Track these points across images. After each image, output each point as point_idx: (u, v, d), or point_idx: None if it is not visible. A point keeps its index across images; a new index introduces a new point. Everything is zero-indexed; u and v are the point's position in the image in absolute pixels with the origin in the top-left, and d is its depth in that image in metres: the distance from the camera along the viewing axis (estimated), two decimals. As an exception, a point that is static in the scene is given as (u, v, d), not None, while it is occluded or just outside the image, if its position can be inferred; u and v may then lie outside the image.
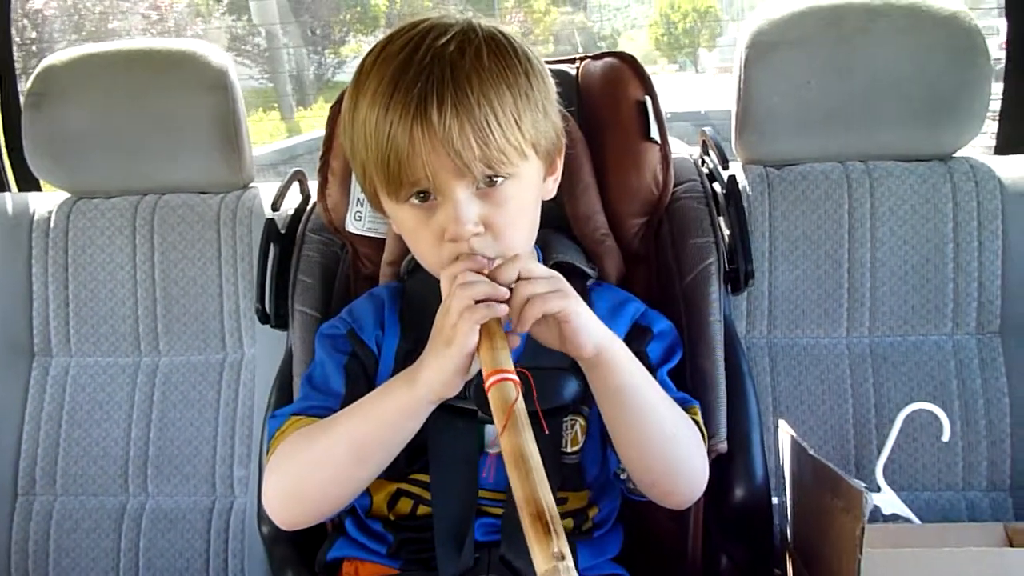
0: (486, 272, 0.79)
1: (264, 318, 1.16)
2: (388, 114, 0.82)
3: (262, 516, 1.06)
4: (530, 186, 0.89)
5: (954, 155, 1.32)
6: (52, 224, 1.43)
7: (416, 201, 0.86)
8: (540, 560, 0.62)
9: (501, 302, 0.77)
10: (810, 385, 1.31)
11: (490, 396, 0.73)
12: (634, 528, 1.00)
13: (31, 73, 1.41)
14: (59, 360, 1.42)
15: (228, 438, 1.36)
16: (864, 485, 0.87)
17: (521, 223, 0.89)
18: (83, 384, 1.41)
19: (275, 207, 1.21)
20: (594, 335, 0.80)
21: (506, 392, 0.72)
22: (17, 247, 1.42)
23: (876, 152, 1.32)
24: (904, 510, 1.21)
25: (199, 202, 1.42)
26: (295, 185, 1.30)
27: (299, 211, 1.24)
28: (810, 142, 1.32)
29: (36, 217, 1.43)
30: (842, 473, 0.93)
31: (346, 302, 1.12)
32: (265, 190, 1.44)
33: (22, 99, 1.41)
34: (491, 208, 0.84)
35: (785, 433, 1.11)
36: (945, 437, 1.21)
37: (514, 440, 0.69)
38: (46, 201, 1.46)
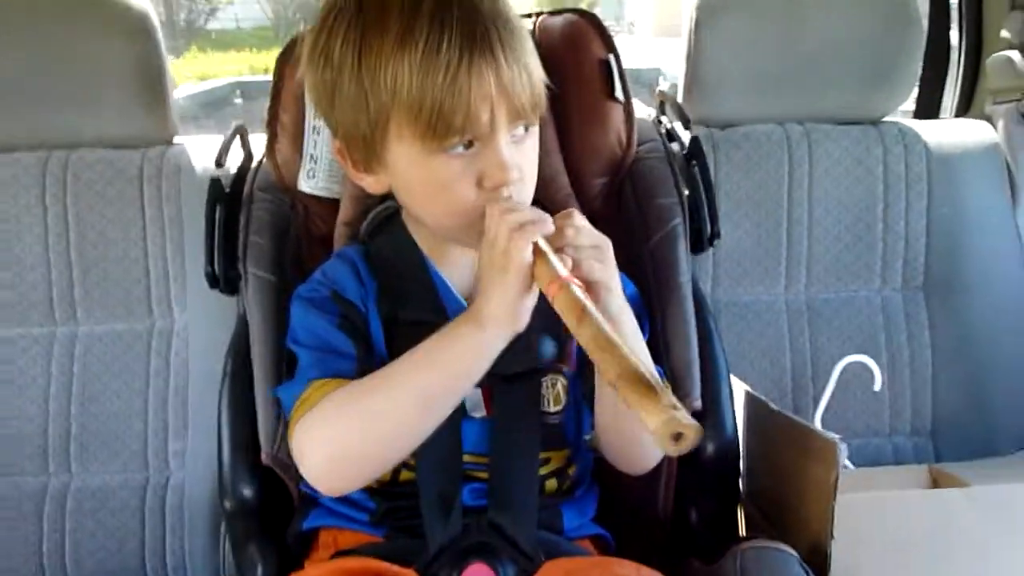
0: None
1: (213, 282, 1.09)
2: (442, 55, 0.77)
3: (224, 490, 1.01)
4: (539, 137, 0.88)
5: (884, 119, 1.39)
6: (-54, 181, 1.29)
7: (463, 149, 0.81)
8: (653, 415, 0.61)
9: None
10: (751, 340, 1.36)
11: (556, 302, 0.71)
12: (606, 487, 1.01)
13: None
14: (-41, 332, 1.29)
15: (160, 410, 1.28)
16: (837, 436, 0.91)
17: (535, 175, 0.88)
18: (-11, 358, 1.29)
19: (219, 163, 1.13)
20: (619, 298, 0.80)
21: (569, 294, 0.71)
22: (-96, 206, 1.28)
23: (814, 114, 1.37)
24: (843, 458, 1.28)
25: (118, 157, 1.31)
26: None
27: (243, 168, 1.16)
28: (753, 104, 1.35)
29: (-74, 173, 1.29)
30: (811, 426, 0.98)
31: (299, 264, 1.07)
32: (191, 145, 1.34)
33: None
34: (520, 156, 0.83)
35: (739, 388, 1.15)
36: (876, 387, 1.29)
37: (591, 328, 0.68)
38: (-64, 155, 1.31)
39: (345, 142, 0.88)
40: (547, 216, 0.77)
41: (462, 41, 0.77)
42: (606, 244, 0.79)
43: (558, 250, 0.75)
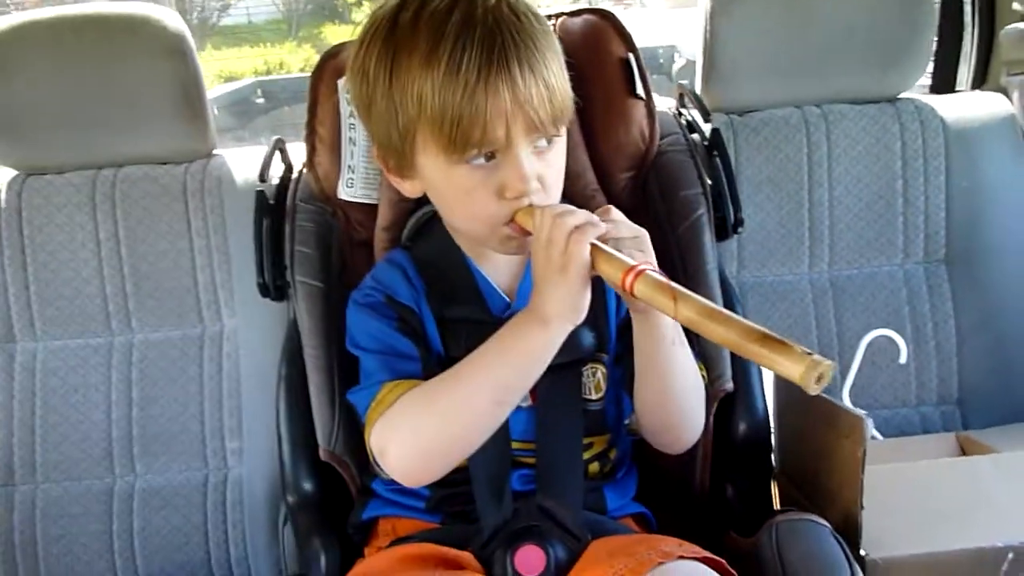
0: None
1: (264, 291, 1.15)
2: (463, 73, 0.82)
3: (286, 486, 1.08)
4: (565, 146, 0.93)
5: (900, 96, 1.41)
6: (2, 203, 1.36)
7: (484, 160, 0.86)
8: (793, 366, 0.64)
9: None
10: (777, 320, 1.40)
11: (638, 289, 0.75)
12: (645, 466, 1.07)
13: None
14: (25, 345, 1.36)
15: (216, 411, 1.35)
16: (864, 412, 0.95)
17: (561, 181, 0.92)
18: (54, 368, 1.36)
19: (263, 178, 1.19)
20: None
21: (650, 278, 0.75)
22: (-35, 230, 1.35)
23: (830, 96, 1.40)
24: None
25: (162, 173, 1.37)
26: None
27: (284, 180, 1.22)
28: (770, 88, 1.38)
29: (-17, 196, 1.36)
30: (838, 402, 1.02)
31: (343, 269, 1.13)
32: (230, 157, 1.40)
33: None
34: (543, 166, 0.88)
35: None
36: (902, 360, 1.33)
37: (693, 304, 0.72)
38: (-8, 179, 1.38)
39: (381, 151, 0.94)
40: (595, 217, 0.82)
41: (481, 59, 0.82)
42: (644, 234, 0.83)
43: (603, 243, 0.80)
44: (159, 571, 1.33)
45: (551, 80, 0.84)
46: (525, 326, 0.84)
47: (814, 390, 0.63)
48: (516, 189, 0.85)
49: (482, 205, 0.88)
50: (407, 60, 0.84)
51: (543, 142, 0.87)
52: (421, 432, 0.88)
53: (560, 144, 0.90)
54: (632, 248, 0.82)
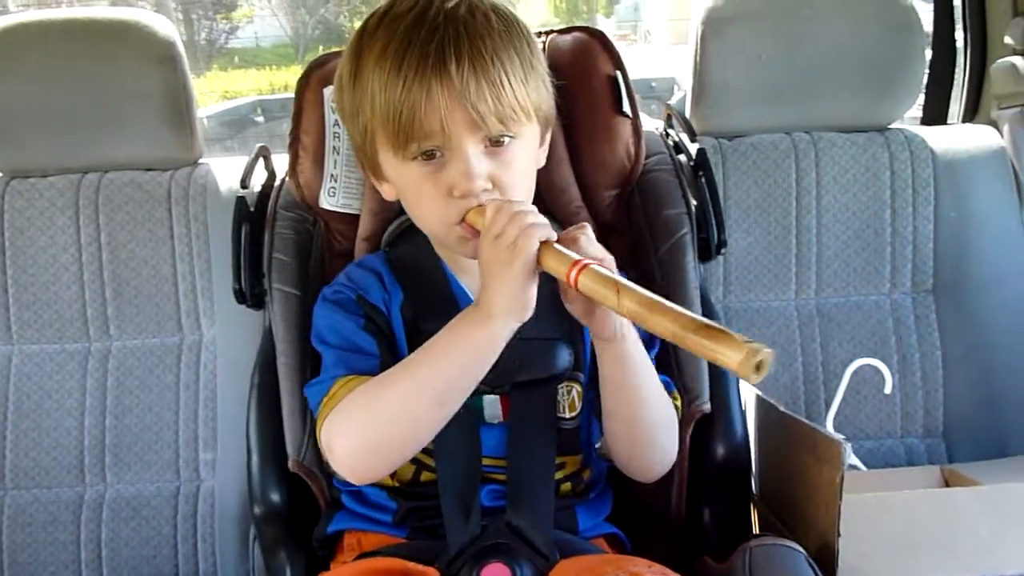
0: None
1: (241, 298, 1.13)
2: (403, 69, 0.83)
3: (254, 496, 1.06)
4: (531, 149, 0.92)
5: (890, 126, 1.41)
6: (-15, 205, 1.35)
7: (422, 159, 0.87)
8: (732, 352, 0.64)
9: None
10: (763, 345, 1.38)
11: (581, 283, 0.74)
12: (621, 488, 1.05)
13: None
14: None
15: (191, 421, 1.33)
16: (842, 436, 0.94)
17: (524, 185, 0.92)
18: (28, 373, 1.34)
19: (244, 184, 1.18)
20: (618, 319, 0.83)
21: (594, 272, 0.74)
22: (-55, 230, 1.34)
23: (820, 123, 1.40)
24: (852, 458, 1.30)
25: (147, 179, 1.37)
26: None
27: (266, 188, 1.21)
28: (760, 114, 1.38)
29: (-34, 198, 1.35)
30: (817, 427, 1.00)
31: (322, 279, 1.12)
32: (216, 166, 1.40)
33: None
34: (498, 166, 0.87)
35: (749, 392, 1.18)
36: (887, 390, 1.31)
37: (635, 295, 0.71)
38: (-26, 181, 1.37)
39: (356, 153, 0.95)
40: (547, 222, 0.81)
41: (420, 56, 0.83)
42: (611, 261, 0.81)
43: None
44: (126, 583, 1.31)
45: (499, 78, 0.84)
46: (469, 321, 0.83)
47: (754, 379, 0.64)
48: (462, 188, 0.85)
49: (432, 204, 0.88)
50: (366, 60, 0.86)
51: (505, 140, 0.86)
52: (365, 429, 0.87)
53: (518, 145, 0.88)
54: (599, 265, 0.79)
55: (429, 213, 0.90)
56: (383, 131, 0.86)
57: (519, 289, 0.79)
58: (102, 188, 1.36)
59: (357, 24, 0.93)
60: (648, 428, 0.91)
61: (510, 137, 0.87)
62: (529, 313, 0.80)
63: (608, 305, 0.73)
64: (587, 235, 0.82)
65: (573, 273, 0.75)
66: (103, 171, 1.37)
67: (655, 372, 0.91)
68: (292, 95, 1.15)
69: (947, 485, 1.26)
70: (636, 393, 0.88)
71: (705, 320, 0.67)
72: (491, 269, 0.80)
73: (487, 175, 0.86)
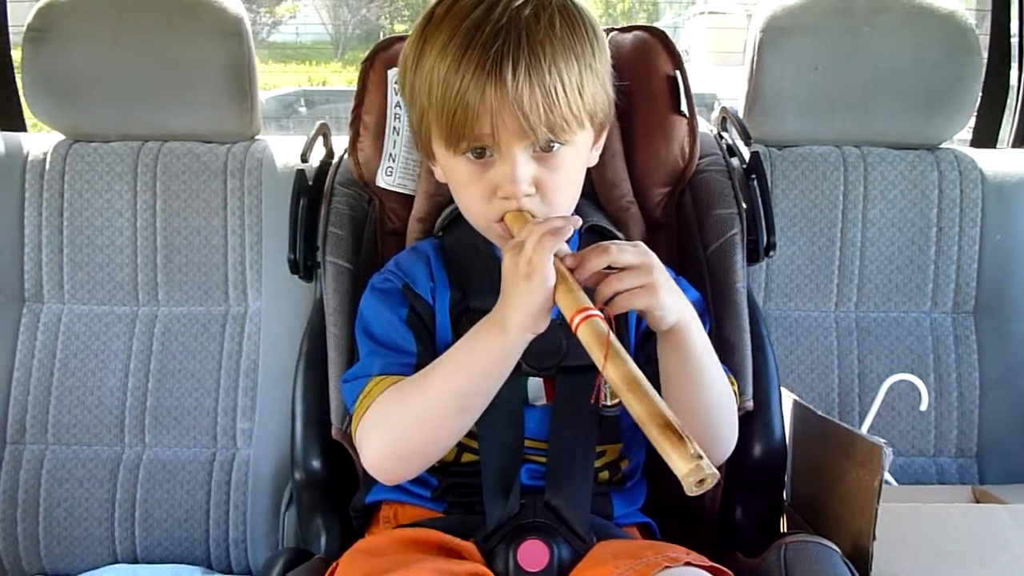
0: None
1: (294, 268, 1.16)
2: (461, 68, 0.85)
3: (295, 462, 1.08)
4: (582, 153, 0.94)
5: (940, 146, 1.42)
6: (47, 166, 1.38)
7: (472, 156, 0.89)
8: (680, 462, 0.67)
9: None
10: (800, 355, 1.39)
11: (580, 333, 0.75)
12: (657, 480, 1.06)
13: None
14: (51, 307, 1.38)
15: (231, 390, 1.35)
16: (883, 441, 0.94)
17: (569, 189, 0.93)
18: (77, 332, 1.37)
19: (304, 159, 1.21)
20: (674, 312, 0.83)
21: (597, 327, 0.75)
22: (8, 189, 1.37)
23: (871, 138, 1.41)
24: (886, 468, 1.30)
25: (205, 151, 1.40)
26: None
27: (324, 164, 1.24)
28: (812, 125, 1.39)
29: (30, 159, 1.38)
30: (858, 431, 1.01)
31: (374, 255, 1.14)
32: (272, 142, 1.43)
33: (20, 35, 1.36)
34: (545, 171, 0.89)
35: (787, 397, 1.18)
36: (923, 407, 1.31)
37: (620, 367, 0.73)
38: (40, 142, 1.41)
39: (413, 134, 0.98)
40: (570, 223, 0.81)
41: (479, 58, 0.85)
42: (648, 265, 0.81)
43: (598, 275, 0.80)
44: (156, 544, 1.33)
45: (553, 86, 0.85)
46: (485, 333, 0.84)
47: (692, 491, 0.68)
48: (505, 189, 0.87)
49: (475, 200, 0.91)
50: (429, 50, 0.88)
51: (555, 146, 0.88)
52: (393, 434, 0.89)
53: (567, 151, 0.89)
54: (635, 283, 0.80)
55: (472, 207, 0.93)
56: (437, 124, 0.89)
57: (537, 305, 0.79)
58: (161, 157, 1.39)
59: (397, 27, 0.95)
60: (709, 414, 0.91)
61: (561, 144, 0.88)
62: (544, 327, 0.82)
63: (594, 360, 0.74)
64: (620, 247, 0.82)
65: (576, 320, 0.76)
66: (163, 140, 1.40)
67: (716, 357, 0.91)
68: (333, 88, 1.18)
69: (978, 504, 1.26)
70: (696, 379, 0.88)
71: (674, 420, 0.69)
72: (513, 281, 0.81)
73: (532, 179, 0.88)
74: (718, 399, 0.91)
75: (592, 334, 0.75)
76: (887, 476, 1.32)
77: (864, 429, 1.33)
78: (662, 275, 0.82)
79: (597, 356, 0.74)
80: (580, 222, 0.84)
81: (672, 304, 0.83)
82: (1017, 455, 1.35)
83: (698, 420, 0.92)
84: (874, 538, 0.92)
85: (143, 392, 1.36)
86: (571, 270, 0.80)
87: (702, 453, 0.67)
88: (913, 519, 1.04)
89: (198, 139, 1.40)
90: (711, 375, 0.90)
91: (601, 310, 0.77)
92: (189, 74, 1.36)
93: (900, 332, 1.40)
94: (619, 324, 0.99)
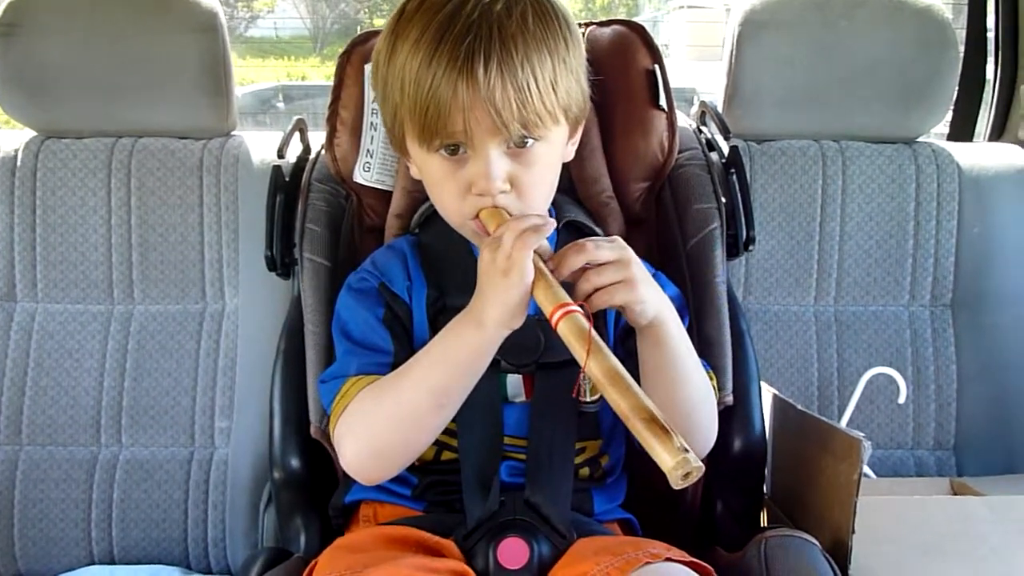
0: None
1: (271, 265, 1.15)
2: (432, 65, 0.84)
3: (274, 461, 1.06)
4: (557, 149, 0.93)
5: (918, 139, 1.42)
6: (19, 163, 1.36)
7: (446, 153, 0.88)
8: (666, 456, 0.67)
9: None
10: (780, 349, 1.40)
11: (560, 329, 0.75)
12: (637, 476, 1.05)
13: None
14: (24, 306, 1.36)
15: (209, 389, 1.34)
16: (862, 435, 0.94)
17: (544, 184, 0.92)
18: (51, 331, 1.35)
19: (280, 154, 1.20)
20: (653, 307, 0.83)
21: (578, 322, 0.75)
22: (-21, 186, 1.35)
23: (849, 132, 1.41)
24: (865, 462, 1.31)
25: (180, 147, 1.38)
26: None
27: (302, 160, 1.23)
28: (790, 119, 1.40)
29: (1, 156, 1.36)
30: (837, 425, 1.01)
31: (352, 251, 1.13)
32: (249, 138, 1.41)
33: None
34: (519, 167, 0.88)
35: (767, 392, 1.19)
36: (901, 399, 1.32)
37: (602, 362, 0.72)
38: (11, 139, 1.38)
39: (387, 132, 0.96)
40: (550, 222, 0.81)
41: (450, 54, 0.83)
42: (626, 260, 0.81)
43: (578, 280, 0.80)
44: (134, 545, 1.32)
45: (526, 82, 0.84)
46: (461, 329, 0.84)
47: (678, 485, 0.67)
48: (480, 186, 0.87)
49: (449, 197, 0.90)
50: (401, 45, 0.87)
51: (529, 142, 0.87)
52: (371, 433, 0.89)
53: (542, 147, 0.89)
54: (614, 278, 0.80)
55: (447, 204, 0.92)
56: (410, 121, 0.88)
57: (515, 301, 0.79)
58: (135, 153, 1.37)
59: (376, 21, 0.94)
60: (688, 409, 0.90)
61: (535, 139, 0.88)
62: (521, 322, 0.81)
63: (575, 356, 0.74)
64: (597, 243, 0.82)
65: (556, 316, 0.75)
66: (138, 136, 1.38)
67: (694, 351, 0.91)
68: (312, 83, 1.17)
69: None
70: (678, 374, 0.88)
71: (658, 414, 0.69)
72: (490, 277, 0.80)
73: (507, 176, 0.87)
74: (697, 394, 0.91)
75: (572, 329, 0.74)
76: (866, 469, 1.33)
77: (843, 422, 1.34)
78: (640, 270, 0.82)
79: (578, 352, 0.73)
80: (555, 224, 0.83)
81: (651, 299, 0.83)
82: (994, 447, 1.37)
83: (677, 415, 0.91)
84: (853, 531, 0.92)
85: (119, 391, 1.34)
86: (550, 269, 0.80)
87: (687, 446, 0.67)
88: (892, 512, 1.05)
89: (173, 135, 1.39)
90: (690, 370, 0.90)
91: (581, 306, 0.77)
92: (164, 69, 1.34)
93: (879, 326, 1.40)
94: (598, 321, 0.98)
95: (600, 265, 0.81)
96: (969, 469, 1.37)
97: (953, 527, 1.03)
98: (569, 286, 0.80)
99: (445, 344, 0.85)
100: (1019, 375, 1.38)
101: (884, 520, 1.03)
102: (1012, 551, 1.00)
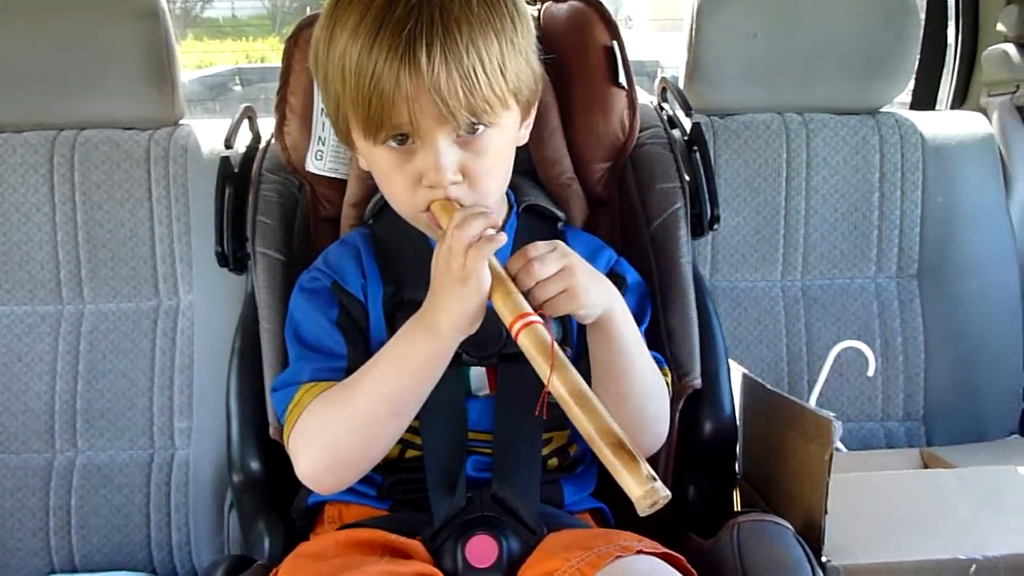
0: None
1: (223, 261, 1.10)
2: (373, 53, 0.80)
3: (232, 464, 1.03)
4: (509, 134, 0.89)
5: (881, 110, 1.41)
6: (-45, 161, 1.30)
7: (394, 144, 0.84)
8: (634, 484, 0.65)
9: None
10: (748, 326, 1.39)
11: (521, 341, 0.73)
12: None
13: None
14: (-32, 310, 1.31)
15: (166, 388, 1.30)
16: (832, 415, 0.93)
17: (498, 172, 0.89)
18: (-2, 334, 1.30)
19: (228, 144, 1.15)
20: (598, 308, 0.81)
21: (540, 334, 0.72)
22: (-87, 185, 1.29)
23: (812, 104, 1.40)
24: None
25: (125, 139, 1.33)
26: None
27: (251, 149, 1.18)
28: (752, 93, 1.38)
29: (-65, 152, 1.30)
30: (807, 405, 1.00)
31: (307, 244, 1.09)
32: (197, 127, 1.36)
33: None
34: (470, 156, 0.85)
35: (736, 370, 1.17)
36: (870, 372, 1.32)
37: (567, 378, 0.70)
38: (-55, 135, 1.32)
39: (331, 122, 0.92)
40: (502, 235, 0.77)
41: (391, 42, 0.79)
42: (569, 268, 0.78)
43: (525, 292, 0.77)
44: (95, 551, 1.28)
45: (472, 68, 0.80)
46: (413, 335, 0.81)
47: (644, 512, 0.66)
48: (430, 177, 0.83)
49: (399, 190, 0.86)
50: (339, 32, 0.83)
51: (479, 129, 0.84)
52: (326, 443, 0.86)
53: (493, 133, 0.85)
54: (556, 291, 0.77)
55: (397, 197, 0.89)
56: (353, 113, 0.84)
57: (471, 308, 0.77)
58: (78, 146, 1.32)
59: None
60: (638, 403, 0.89)
61: (485, 126, 0.84)
62: (477, 327, 0.79)
63: (538, 372, 0.71)
64: (540, 257, 0.78)
65: (517, 326, 0.73)
66: (80, 128, 1.33)
67: (646, 347, 0.90)
68: (272, 65, 1.12)
69: (926, 467, 1.27)
70: (626, 369, 0.86)
71: (625, 439, 0.67)
72: (445, 283, 0.78)
73: (457, 166, 0.83)
74: (646, 388, 0.89)
75: (534, 343, 0.72)
76: (837, 443, 1.33)
77: (813, 397, 1.34)
78: (583, 274, 0.80)
79: (540, 366, 0.71)
80: (500, 222, 0.81)
81: (595, 302, 0.81)
82: (962, 416, 1.37)
83: (626, 407, 0.89)
84: (826, 512, 0.91)
85: (72, 394, 1.30)
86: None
87: (655, 474, 0.65)
88: (863, 488, 1.04)
89: (118, 126, 1.34)
90: (639, 363, 0.88)
91: (541, 315, 0.74)
92: (104, 58, 1.29)
93: (846, 299, 1.40)
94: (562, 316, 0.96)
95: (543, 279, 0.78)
96: (938, 438, 1.38)
97: (924, 502, 1.03)
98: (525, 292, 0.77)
99: (399, 351, 0.82)
100: (985, 343, 1.38)
101: (855, 497, 1.02)
102: (983, 523, 1.00)
